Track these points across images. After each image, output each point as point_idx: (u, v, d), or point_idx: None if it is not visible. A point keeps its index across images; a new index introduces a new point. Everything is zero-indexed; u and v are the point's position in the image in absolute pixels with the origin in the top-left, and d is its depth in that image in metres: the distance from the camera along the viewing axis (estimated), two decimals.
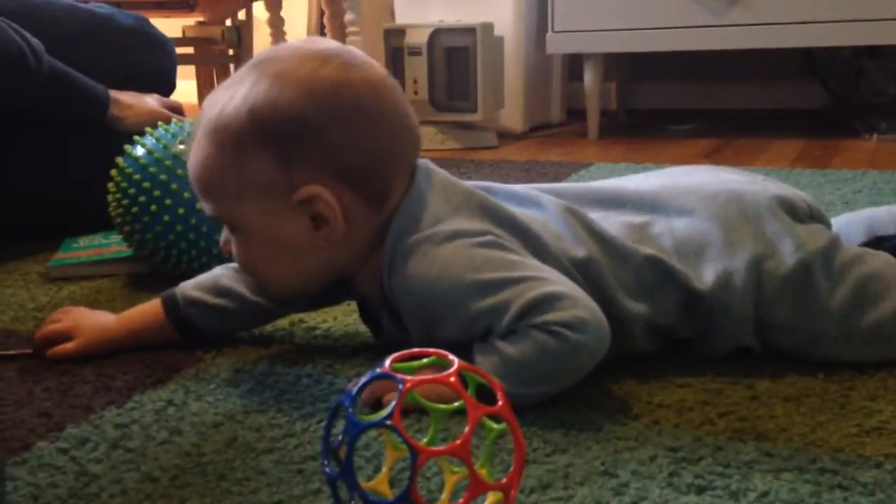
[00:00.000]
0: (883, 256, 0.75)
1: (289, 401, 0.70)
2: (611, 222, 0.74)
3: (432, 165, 0.74)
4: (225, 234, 0.73)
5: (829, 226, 0.78)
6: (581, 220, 0.74)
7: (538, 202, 0.76)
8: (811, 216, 0.76)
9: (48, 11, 1.32)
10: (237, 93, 0.68)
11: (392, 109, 0.70)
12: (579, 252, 0.71)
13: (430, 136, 2.18)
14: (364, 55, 0.72)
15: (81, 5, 1.38)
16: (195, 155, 0.70)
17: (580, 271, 0.71)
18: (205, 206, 0.72)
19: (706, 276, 0.72)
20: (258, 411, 0.68)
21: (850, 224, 0.89)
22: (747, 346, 0.74)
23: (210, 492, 0.56)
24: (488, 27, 2.12)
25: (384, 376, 0.48)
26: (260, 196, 0.68)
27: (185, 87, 2.77)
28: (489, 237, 0.68)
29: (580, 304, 0.64)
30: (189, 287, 0.81)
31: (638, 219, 0.75)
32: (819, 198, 1.37)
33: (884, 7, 1.85)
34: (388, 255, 0.70)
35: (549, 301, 0.63)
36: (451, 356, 0.50)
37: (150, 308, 0.82)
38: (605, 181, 0.85)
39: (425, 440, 0.56)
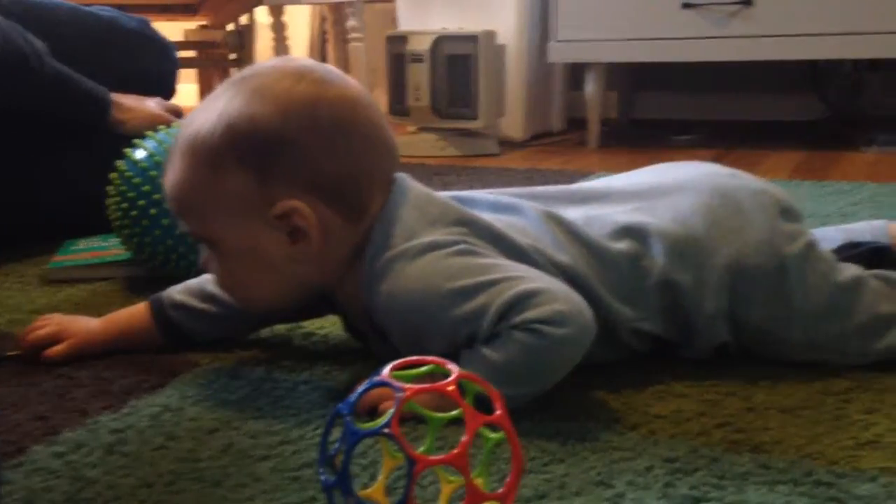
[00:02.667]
0: (854, 268, 0.76)
1: (286, 407, 0.70)
2: (593, 224, 0.74)
3: (409, 180, 0.74)
4: (205, 253, 0.73)
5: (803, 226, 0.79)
6: (561, 224, 0.74)
7: (518, 208, 0.76)
8: (791, 214, 0.77)
9: (52, 14, 1.32)
10: (213, 111, 0.69)
11: (368, 124, 0.70)
12: (562, 258, 0.72)
13: (430, 143, 2.19)
14: (340, 72, 0.73)
15: (85, 8, 1.39)
16: (172, 174, 0.71)
17: (563, 275, 0.70)
18: (183, 225, 0.72)
19: (685, 274, 0.72)
20: (255, 417, 0.68)
21: (826, 230, 0.91)
22: (725, 343, 0.75)
23: (205, 498, 0.56)
24: (490, 35, 2.13)
25: (383, 384, 0.48)
26: (237, 212, 0.68)
27: (187, 90, 2.79)
28: (462, 245, 0.68)
29: (559, 297, 0.64)
30: (176, 291, 0.82)
31: (622, 216, 0.75)
32: (817, 209, 1.37)
33: (884, 21, 1.86)
34: (365, 273, 0.70)
35: (525, 299, 0.64)
36: (450, 364, 0.50)
37: (137, 310, 0.83)
38: (591, 181, 0.84)
39: (423, 449, 0.55)
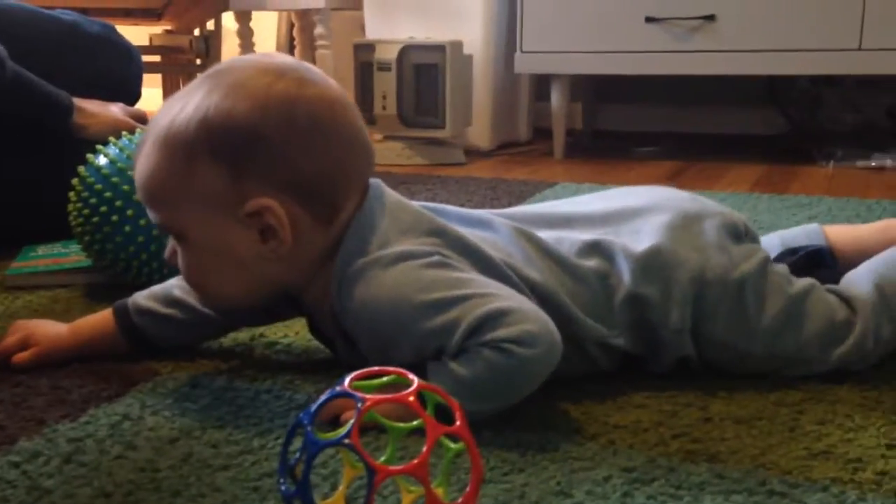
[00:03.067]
0: (807, 280, 0.79)
1: (247, 417, 0.69)
2: (562, 242, 0.76)
3: (384, 187, 0.74)
4: (170, 245, 0.73)
5: (760, 245, 0.82)
6: (532, 241, 0.76)
7: (489, 223, 0.77)
8: (748, 236, 0.81)
9: (11, 16, 1.30)
10: (189, 103, 0.68)
11: (346, 126, 0.70)
12: (533, 273, 0.72)
13: (397, 152, 2.19)
14: (320, 72, 0.72)
15: (47, 12, 1.37)
16: (143, 162, 0.70)
17: (534, 292, 0.71)
18: (151, 215, 0.71)
19: (651, 287, 0.74)
20: (215, 427, 0.68)
21: (764, 238, 0.93)
22: (687, 357, 0.76)
23: None
24: (457, 45, 2.14)
25: (344, 394, 0.48)
26: (208, 207, 0.68)
27: (152, 94, 2.76)
28: (436, 257, 0.69)
29: (529, 317, 0.65)
30: (141, 297, 0.81)
31: (588, 236, 0.77)
32: (776, 223, 1.40)
33: (841, 38, 1.90)
34: (336, 277, 0.70)
35: (497, 317, 0.64)
36: (411, 375, 0.50)
37: (102, 317, 0.82)
38: (554, 203, 0.86)
39: (383, 459, 0.56)
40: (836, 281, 0.83)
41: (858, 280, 0.80)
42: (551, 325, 0.65)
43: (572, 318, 0.72)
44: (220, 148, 0.66)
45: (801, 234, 0.93)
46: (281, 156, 0.67)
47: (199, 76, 0.71)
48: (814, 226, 0.94)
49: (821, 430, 0.67)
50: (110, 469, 0.61)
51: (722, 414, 0.70)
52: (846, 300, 0.78)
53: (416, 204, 0.75)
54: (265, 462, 0.62)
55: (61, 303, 1.01)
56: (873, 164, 2.00)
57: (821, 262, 0.88)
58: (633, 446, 0.64)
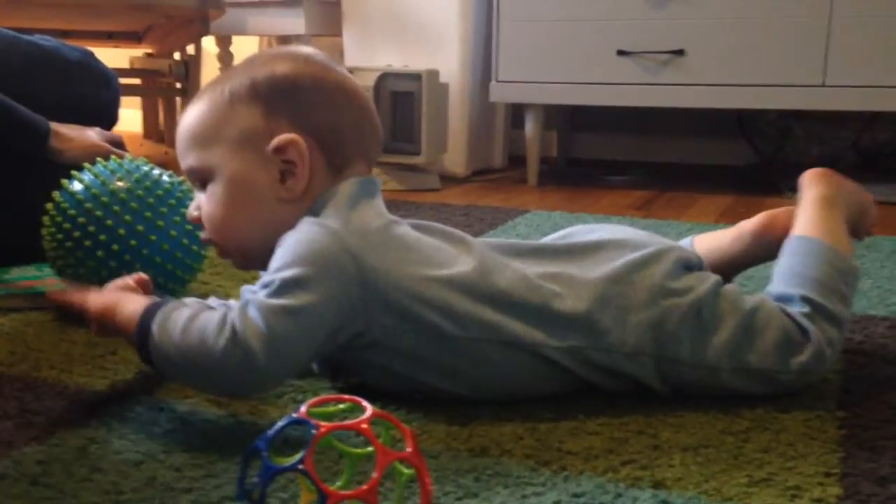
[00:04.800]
0: (757, 296, 0.84)
1: (211, 442, 0.71)
2: (527, 267, 0.81)
3: (379, 188, 0.81)
4: (194, 202, 0.81)
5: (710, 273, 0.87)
6: (497, 256, 0.81)
7: (467, 241, 0.82)
8: (700, 267, 0.86)
9: None
10: (240, 71, 0.80)
11: (365, 105, 0.82)
12: (474, 263, 0.77)
13: None
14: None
15: (26, 37, 1.39)
16: (190, 113, 0.80)
17: (472, 281, 0.76)
18: (187, 163, 0.80)
19: (606, 313, 0.78)
20: (179, 451, 0.69)
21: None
22: (646, 384, 0.80)
23: None
24: (434, 74, 2.18)
25: (300, 422, 0.51)
26: (241, 142, 0.77)
27: (130, 116, 2.77)
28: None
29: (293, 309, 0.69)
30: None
31: (552, 269, 0.81)
32: None
33: (807, 75, 1.96)
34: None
35: (288, 285, 0.70)
36: (365, 403, 0.53)
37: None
38: (523, 241, 0.90)
39: (339, 483, 0.58)
40: None
41: (783, 297, 0.84)
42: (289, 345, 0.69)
43: (523, 331, 0.76)
44: (259, 92, 0.78)
45: None
46: (309, 102, 0.78)
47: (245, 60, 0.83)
48: (686, 241, 1.00)
49: (763, 458, 0.70)
50: (75, 492, 0.63)
51: (671, 441, 0.73)
52: (787, 315, 0.82)
53: (402, 220, 0.80)
54: (227, 486, 0.64)
55: (33, 326, 1.02)
56: None
57: None
58: (584, 472, 0.67)
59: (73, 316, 1.04)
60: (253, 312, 0.68)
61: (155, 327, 0.70)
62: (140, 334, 0.71)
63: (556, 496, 0.63)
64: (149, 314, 0.71)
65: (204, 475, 0.65)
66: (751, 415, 0.78)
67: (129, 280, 0.80)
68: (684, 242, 0.99)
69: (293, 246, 0.73)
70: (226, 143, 0.78)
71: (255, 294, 0.70)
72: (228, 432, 0.73)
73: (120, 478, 0.65)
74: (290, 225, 0.76)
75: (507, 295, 0.77)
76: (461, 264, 0.77)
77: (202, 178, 0.80)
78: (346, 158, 0.79)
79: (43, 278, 1.14)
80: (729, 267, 0.97)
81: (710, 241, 0.99)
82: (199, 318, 0.70)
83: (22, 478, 0.65)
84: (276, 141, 0.76)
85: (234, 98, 0.78)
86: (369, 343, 0.75)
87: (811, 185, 0.95)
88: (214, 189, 0.79)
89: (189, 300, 0.74)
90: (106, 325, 0.75)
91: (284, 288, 0.70)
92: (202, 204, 0.80)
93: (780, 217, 0.96)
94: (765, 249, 0.96)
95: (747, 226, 0.98)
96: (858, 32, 1.91)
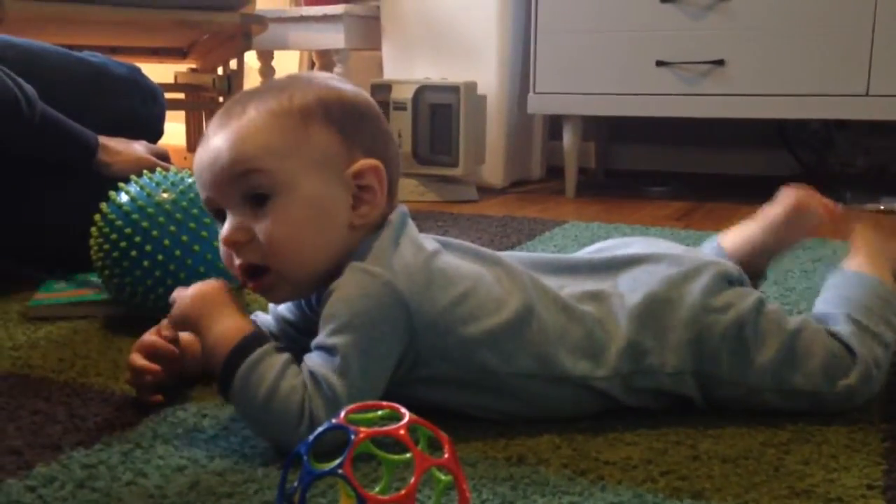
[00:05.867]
0: (800, 317, 0.82)
1: (252, 447, 0.73)
2: (564, 289, 0.81)
3: (408, 216, 0.80)
4: (234, 224, 0.73)
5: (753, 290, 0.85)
6: (536, 283, 0.80)
7: (500, 261, 0.81)
8: (741, 283, 0.84)
9: (43, 59, 1.36)
10: (291, 92, 0.75)
11: (392, 134, 0.82)
12: (520, 300, 0.77)
13: (410, 188, 2.24)
14: None
15: (76, 54, 1.43)
16: (251, 123, 0.73)
17: (521, 318, 0.76)
18: (250, 166, 0.72)
19: (647, 334, 0.78)
20: (222, 456, 0.71)
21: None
22: (688, 398, 0.79)
23: None
24: (472, 86, 2.19)
25: (339, 427, 0.52)
26: (319, 163, 0.74)
27: (174, 129, 2.83)
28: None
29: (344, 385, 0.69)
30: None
31: (589, 286, 0.82)
32: (778, 265, 1.42)
33: (849, 84, 1.94)
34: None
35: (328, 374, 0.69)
36: (403, 409, 0.53)
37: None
38: (558, 255, 0.90)
39: (378, 489, 0.59)
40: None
41: (829, 317, 0.83)
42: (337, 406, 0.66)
43: (555, 356, 0.76)
44: (333, 116, 0.75)
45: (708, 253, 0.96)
46: (377, 132, 0.78)
47: (273, 81, 0.79)
48: (713, 244, 0.98)
49: (805, 470, 0.69)
50: (120, 495, 0.64)
51: (710, 452, 0.72)
52: (832, 335, 0.81)
53: (431, 241, 0.80)
54: (268, 490, 0.65)
55: (81, 334, 1.05)
56: (882, 206, 2.02)
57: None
58: (622, 482, 0.67)
59: (120, 324, 1.07)
60: (327, 393, 0.69)
61: (238, 382, 0.69)
62: (224, 375, 0.71)
63: None
64: (235, 358, 0.70)
65: (245, 480, 0.67)
66: (792, 427, 0.77)
67: (159, 329, 0.83)
68: (710, 244, 0.98)
69: (346, 304, 0.71)
70: (304, 161, 0.73)
71: (322, 368, 0.70)
72: None
73: (164, 482, 0.66)
74: (348, 252, 0.75)
75: (553, 330, 0.77)
76: (507, 308, 0.76)
77: (261, 194, 0.73)
78: (393, 192, 0.78)
79: (90, 287, 1.17)
80: (761, 256, 0.95)
81: (738, 236, 0.98)
82: (280, 388, 0.68)
83: (69, 481, 0.66)
84: (359, 165, 0.74)
85: (307, 117, 0.74)
86: (413, 378, 0.75)
87: (864, 232, 0.94)
88: (285, 207, 0.73)
89: (268, 350, 0.71)
90: (186, 328, 0.76)
91: (348, 360, 0.69)
92: (247, 225, 0.73)
93: (802, 196, 0.96)
94: (796, 232, 0.96)
95: (774, 212, 0.97)
96: None
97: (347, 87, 0.78)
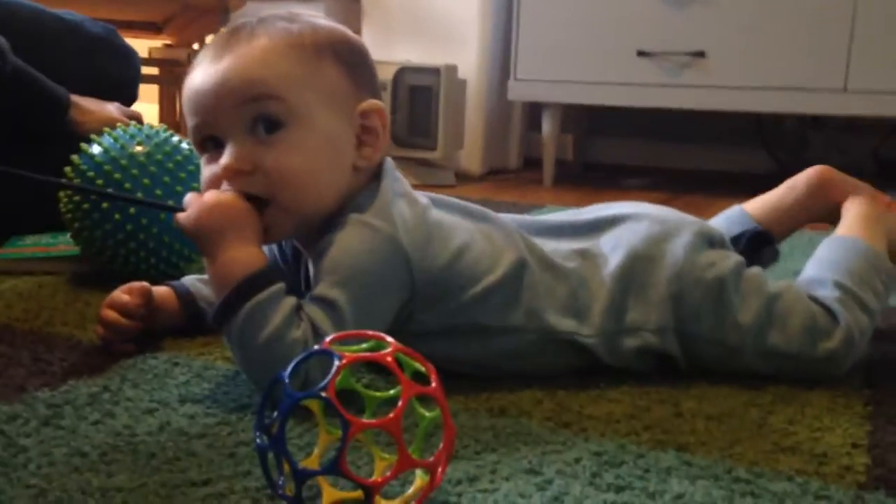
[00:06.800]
0: (782, 281, 0.82)
1: (225, 393, 0.70)
2: (548, 245, 0.80)
3: (396, 168, 0.78)
4: (239, 149, 0.69)
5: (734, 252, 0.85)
6: (526, 240, 0.79)
7: (489, 217, 0.80)
8: (723, 245, 0.84)
9: (15, 12, 1.32)
10: (292, 22, 0.73)
11: None
12: (513, 255, 0.75)
13: None
14: None
15: (50, 11, 1.39)
16: (259, 56, 0.70)
17: (514, 273, 0.75)
18: (263, 90, 0.69)
19: (630, 291, 0.78)
20: (193, 401, 0.68)
21: None
22: (671, 358, 0.78)
23: (139, 468, 0.56)
24: (452, 69, 2.18)
25: (323, 353, 0.50)
26: (331, 98, 0.72)
27: (147, 109, 2.78)
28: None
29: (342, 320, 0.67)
30: (202, 288, 0.85)
31: (575, 245, 0.81)
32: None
33: (829, 79, 1.95)
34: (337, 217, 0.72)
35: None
36: (389, 338, 0.51)
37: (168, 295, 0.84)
38: (543, 216, 0.89)
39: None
40: (776, 256, 0.90)
41: (815, 282, 0.82)
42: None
43: (543, 312, 0.75)
44: (341, 56, 0.73)
45: (731, 221, 0.95)
46: (374, 77, 0.77)
47: (272, 15, 0.74)
48: (737, 209, 0.96)
49: (789, 429, 0.68)
50: (87, 432, 0.62)
51: (693, 410, 0.71)
52: (815, 300, 0.80)
53: (421, 195, 0.78)
54: (242, 433, 0.63)
55: (47, 287, 1.02)
56: None
57: (763, 242, 0.91)
58: (605, 434, 0.65)
59: (87, 280, 1.04)
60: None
61: (242, 315, 0.65)
62: (228, 304, 0.66)
63: (577, 454, 0.61)
64: (244, 289, 0.66)
65: (218, 423, 0.64)
66: (774, 389, 0.76)
67: (131, 290, 0.80)
68: (737, 213, 0.96)
69: (349, 257, 0.69)
70: (318, 94, 0.71)
71: (324, 323, 0.67)
72: (243, 385, 0.72)
73: (132, 422, 0.64)
74: (349, 197, 0.73)
75: (541, 286, 0.76)
76: (501, 264, 0.75)
77: (274, 121, 0.69)
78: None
79: (56, 244, 1.14)
80: (780, 222, 0.94)
81: (760, 199, 0.97)
82: (285, 337, 0.65)
83: (33, 418, 0.63)
84: (366, 104, 0.73)
85: (320, 51, 0.72)
86: (402, 330, 0.72)
87: (858, 204, 0.92)
88: (299, 137, 0.70)
89: (278, 292, 0.67)
90: (195, 237, 0.70)
91: (347, 316, 0.67)
92: (250, 154, 0.69)
93: (834, 174, 0.95)
94: (818, 203, 0.94)
95: (800, 177, 0.96)
96: (882, 36, 1.90)
97: (348, 30, 0.77)
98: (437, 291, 0.73)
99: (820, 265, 0.84)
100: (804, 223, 0.97)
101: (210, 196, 0.70)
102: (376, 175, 0.75)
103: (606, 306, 0.77)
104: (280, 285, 0.67)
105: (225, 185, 0.70)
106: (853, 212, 0.91)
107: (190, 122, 0.73)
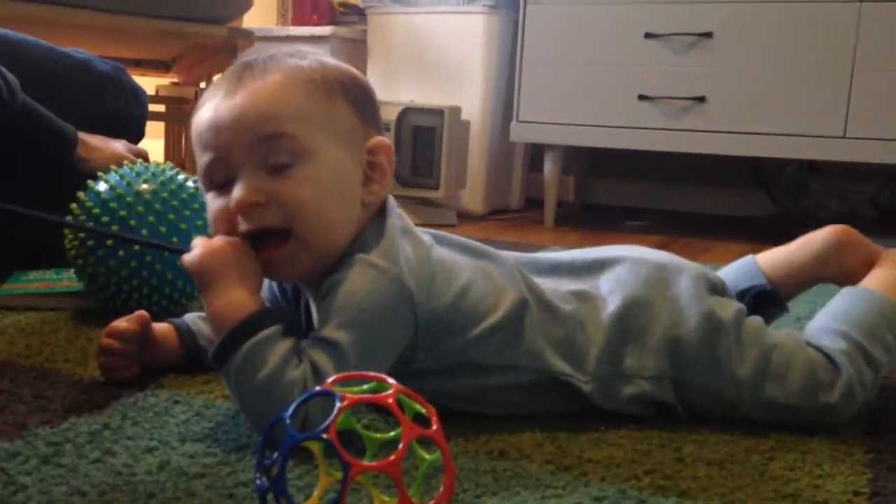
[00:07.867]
0: (783, 330, 0.82)
1: (225, 432, 0.70)
2: (546, 285, 0.80)
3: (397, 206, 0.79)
4: (247, 185, 0.69)
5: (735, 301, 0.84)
6: (526, 279, 0.79)
7: (490, 255, 0.81)
8: (723, 292, 0.84)
9: (26, 50, 1.34)
10: (302, 60, 0.74)
11: None
12: (514, 295, 0.76)
13: None
14: None
15: (59, 48, 1.41)
16: (272, 92, 0.70)
17: (515, 313, 0.75)
18: (279, 129, 0.70)
19: (627, 337, 0.77)
20: (194, 440, 0.68)
21: None
22: (669, 406, 0.78)
23: None
24: (456, 110, 2.20)
25: (324, 393, 0.50)
26: (341, 135, 0.73)
27: (154, 146, 2.80)
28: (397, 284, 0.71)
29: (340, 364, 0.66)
30: (202, 325, 0.86)
31: (573, 287, 0.81)
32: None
33: (827, 125, 1.97)
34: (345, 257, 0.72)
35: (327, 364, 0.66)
36: (390, 380, 0.52)
37: (167, 332, 0.85)
38: (539, 254, 0.89)
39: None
40: (783, 313, 0.90)
41: (823, 331, 0.82)
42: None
43: (542, 351, 0.75)
44: (349, 93, 0.74)
45: (741, 273, 0.93)
46: (379, 115, 0.78)
47: (279, 52, 0.75)
48: (749, 260, 0.94)
49: (790, 476, 0.68)
50: (87, 471, 0.62)
51: (694, 455, 0.71)
52: (819, 350, 0.79)
53: (423, 233, 0.78)
54: (241, 473, 0.62)
55: (49, 323, 1.02)
56: None
57: (770, 301, 0.89)
58: (605, 479, 0.65)
59: (90, 316, 1.04)
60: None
61: (240, 357, 0.66)
62: (226, 345, 0.67)
63: (578, 498, 0.61)
64: (243, 330, 0.67)
65: (218, 463, 0.64)
66: (775, 436, 0.76)
67: (129, 318, 0.81)
68: (748, 266, 0.93)
69: (355, 298, 0.69)
70: (329, 129, 0.72)
71: (326, 365, 0.66)
72: (243, 424, 0.71)
73: (132, 461, 0.64)
74: (356, 230, 0.73)
75: (540, 325, 0.76)
76: (504, 303, 0.75)
77: (287, 156, 0.70)
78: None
79: (60, 280, 1.14)
80: (789, 277, 0.90)
81: (773, 252, 0.93)
82: (283, 378, 0.65)
83: (33, 456, 0.63)
84: (374, 141, 0.74)
85: (330, 91, 0.73)
86: (402, 371, 0.72)
87: (892, 262, 0.88)
88: (310, 171, 0.70)
89: (276, 333, 0.68)
90: (198, 278, 0.70)
91: (351, 359, 0.67)
92: (263, 187, 0.69)
93: (854, 236, 0.90)
94: (832, 263, 0.89)
95: (818, 233, 0.91)
96: (881, 84, 1.92)
97: (353, 68, 0.78)
98: (439, 331, 0.73)
99: (832, 314, 0.83)
100: (814, 283, 0.92)
101: (217, 239, 0.71)
102: (380, 212, 0.76)
103: (602, 351, 0.77)
104: (278, 326, 0.68)
105: (240, 220, 0.71)
106: (885, 268, 0.87)
107: (202, 157, 0.72)
